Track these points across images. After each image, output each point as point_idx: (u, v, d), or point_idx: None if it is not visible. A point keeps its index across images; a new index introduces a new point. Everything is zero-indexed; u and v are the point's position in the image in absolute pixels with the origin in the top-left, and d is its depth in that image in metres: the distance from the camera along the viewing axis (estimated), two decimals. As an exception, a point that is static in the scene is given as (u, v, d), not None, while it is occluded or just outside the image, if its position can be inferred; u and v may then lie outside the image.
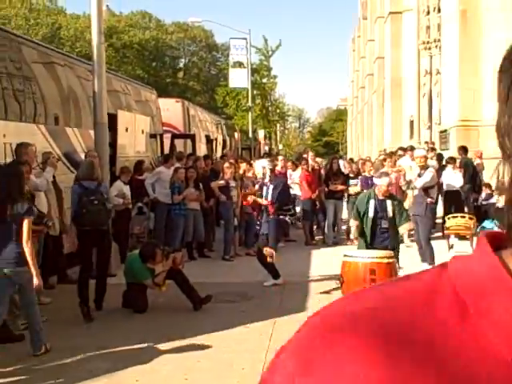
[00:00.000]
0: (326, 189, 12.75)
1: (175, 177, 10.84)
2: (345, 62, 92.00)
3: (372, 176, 12.54)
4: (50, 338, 6.03)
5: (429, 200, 9.35)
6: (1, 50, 8.72)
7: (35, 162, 8.30)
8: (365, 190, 11.87)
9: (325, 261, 10.51)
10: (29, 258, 5.58)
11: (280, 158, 14.68)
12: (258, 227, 8.77)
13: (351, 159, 18.59)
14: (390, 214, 7.66)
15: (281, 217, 8.33)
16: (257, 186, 8.92)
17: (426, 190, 9.29)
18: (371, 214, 7.63)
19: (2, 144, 8.28)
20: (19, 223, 5.55)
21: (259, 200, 8.67)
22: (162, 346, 6.03)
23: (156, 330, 6.56)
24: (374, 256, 6.97)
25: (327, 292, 8.05)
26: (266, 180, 8.72)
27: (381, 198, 7.71)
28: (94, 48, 9.57)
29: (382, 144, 35.78)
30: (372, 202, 7.68)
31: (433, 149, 17.59)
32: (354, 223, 7.75)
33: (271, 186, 8.51)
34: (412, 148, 14.05)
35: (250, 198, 8.78)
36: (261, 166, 8.68)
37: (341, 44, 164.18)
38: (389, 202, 7.71)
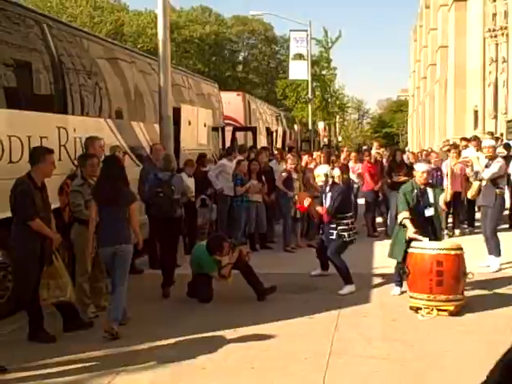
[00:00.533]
0: (389, 180, 12.59)
1: (238, 169, 10.92)
2: (405, 52, 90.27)
3: (438, 167, 12.34)
4: (118, 326, 6.19)
5: (498, 190, 9.09)
6: (68, 46, 8.97)
7: (103, 155, 8.54)
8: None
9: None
10: (139, 236, 6.57)
11: (344, 149, 14.58)
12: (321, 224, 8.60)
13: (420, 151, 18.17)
14: (432, 201, 7.48)
15: (342, 233, 8.10)
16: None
17: (494, 180, 9.04)
18: (414, 202, 7.48)
19: (72, 138, 8.55)
20: (128, 206, 6.36)
21: (317, 208, 8.39)
22: (228, 336, 6.11)
23: (222, 320, 6.65)
24: (441, 247, 6.86)
25: (390, 283, 7.96)
26: (327, 188, 8.42)
27: (421, 186, 7.57)
28: (159, 43, 9.73)
29: (444, 135, 35.03)
30: (415, 192, 7.55)
31: (498, 138, 17.12)
32: (404, 214, 7.48)
33: (329, 195, 8.27)
34: (476, 138, 13.66)
35: (307, 201, 8.56)
36: (322, 174, 8.36)
37: (401, 34, 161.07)
38: (429, 190, 7.54)
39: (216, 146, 15.47)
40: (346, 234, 8.08)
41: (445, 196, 7.48)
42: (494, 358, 5.71)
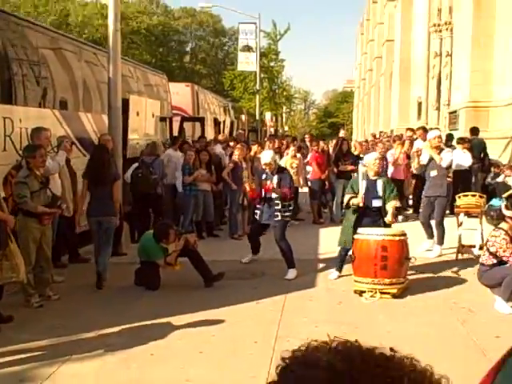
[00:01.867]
0: (335, 169, 12.81)
1: (185, 159, 10.98)
2: (352, 45, 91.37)
3: (383, 156, 12.58)
4: (64, 315, 6.14)
5: (449, 179, 9.36)
6: (12, 36, 8.76)
7: (50, 145, 8.40)
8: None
9: (333, 238, 10.55)
10: (118, 208, 8.05)
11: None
12: (256, 210, 8.61)
13: (366, 140, 18.46)
14: (381, 193, 7.65)
15: (286, 217, 8.22)
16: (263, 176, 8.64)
17: (446, 169, 9.31)
18: (362, 192, 7.64)
19: (17, 129, 8.37)
20: (112, 184, 7.84)
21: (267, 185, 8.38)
22: (176, 322, 6.12)
23: (169, 307, 6.67)
24: (386, 233, 7.04)
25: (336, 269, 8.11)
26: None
27: (372, 178, 7.75)
28: (110, 34, 9.57)
29: (388, 125, 35.73)
30: (364, 182, 7.72)
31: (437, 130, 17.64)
32: (349, 196, 7.72)
33: (275, 177, 8.24)
34: (422, 128, 13.96)
35: (248, 186, 8.62)
36: (268, 157, 8.42)
37: (348, 27, 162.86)
38: (379, 182, 7.71)
39: (164, 136, 15.38)
40: (288, 217, 8.27)
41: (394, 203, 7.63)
42: (434, 338, 5.98)
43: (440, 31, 25.33)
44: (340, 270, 7.87)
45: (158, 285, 7.53)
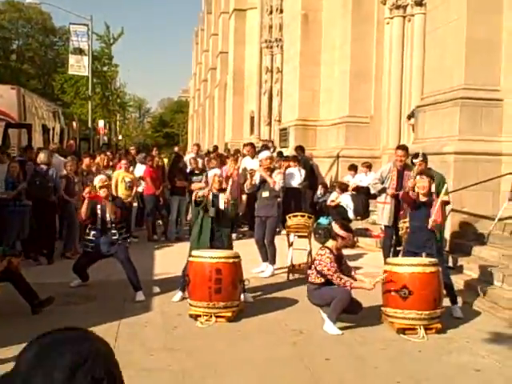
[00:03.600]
0: (169, 185, 12.77)
1: (9, 173, 10.24)
2: (188, 54, 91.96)
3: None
4: None
5: (279, 199, 9.68)
6: None
7: None
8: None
9: (169, 258, 10.52)
10: None
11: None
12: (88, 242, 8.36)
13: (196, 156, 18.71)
14: (222, 207, 7.77)
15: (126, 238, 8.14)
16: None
17: (275, 191, 9.60)
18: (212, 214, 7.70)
19: None
20: None
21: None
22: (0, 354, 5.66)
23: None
24: (219, 256, 7.08)
25: (171, 291, 8.03)
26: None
27: (214, 192, 7.86)
28: None
29: (223, 138, 36.35)
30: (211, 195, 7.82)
31: (270, 144, 18.26)
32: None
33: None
34: (250, 144, 14.22)
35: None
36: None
37: (184, 36, 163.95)
38: (221, 196, 7.83)
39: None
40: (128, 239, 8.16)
41: None
42: (267, 359, 6.08)
43: (271, 47, 26.27)
44: (183, 290, 7.75)
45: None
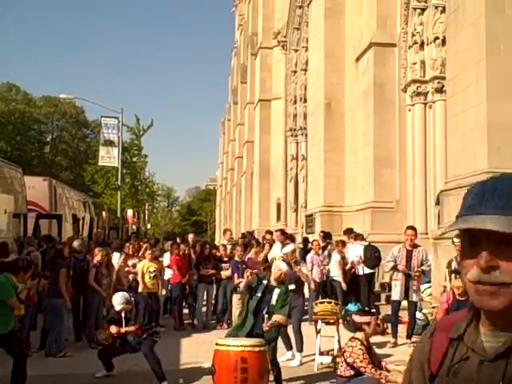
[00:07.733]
0: (197, 273, 12.76)
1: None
2: (215, 143, 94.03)
3: (243, 261, 12.66)
4: None
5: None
6: None
7: None
8: (235, 275, 12.00)
9: (195, 347, 10.36)
10: None
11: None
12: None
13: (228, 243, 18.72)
14: (274, 302, 7.49)
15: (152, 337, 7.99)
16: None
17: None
18: (258, 295, 7.50)
19: None
20: None
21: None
22: None
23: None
24: (245, 344, 6.96)
25: (196, 381, 7.88)
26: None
27: (273, 283, 7.67)
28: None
29: (250, 225, 36.46)
30: (262, 286, 7.61)
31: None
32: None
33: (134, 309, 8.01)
34: (281, 231, 14.36)
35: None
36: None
37: (211, 126, 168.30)
38: (277, 290, 7.56)
39: (17, 234, 14.59)
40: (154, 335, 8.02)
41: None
42: None
43: (296, 135, 26.81)
44: None
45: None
